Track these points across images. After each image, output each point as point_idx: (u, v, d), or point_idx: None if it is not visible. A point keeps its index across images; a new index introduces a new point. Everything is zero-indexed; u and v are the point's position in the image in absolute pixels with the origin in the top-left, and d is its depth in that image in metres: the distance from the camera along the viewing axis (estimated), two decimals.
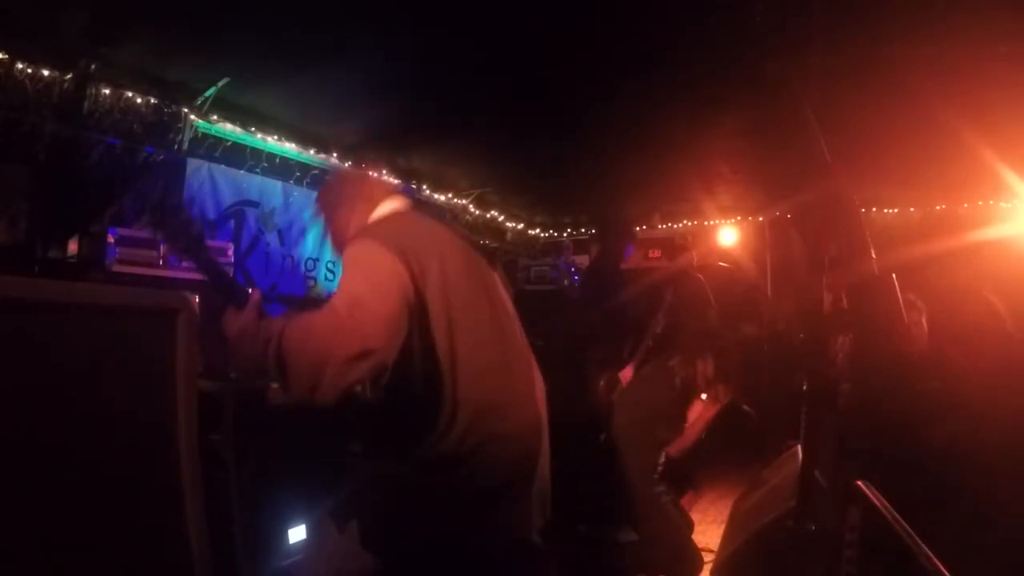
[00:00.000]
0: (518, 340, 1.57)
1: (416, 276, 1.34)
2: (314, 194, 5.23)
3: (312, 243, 5.35)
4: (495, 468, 1.39)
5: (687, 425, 2.98)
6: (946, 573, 1.29)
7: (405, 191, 1.77)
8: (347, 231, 1.64)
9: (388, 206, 1.64)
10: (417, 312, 1.33)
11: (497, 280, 1.63)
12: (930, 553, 1.34)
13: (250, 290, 1.45)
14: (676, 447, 2.94)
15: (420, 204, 1.76)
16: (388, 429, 1.37)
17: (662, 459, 2.97)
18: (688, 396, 3.03)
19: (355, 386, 1.23)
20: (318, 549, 1.52)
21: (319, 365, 1.20)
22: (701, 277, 3.38)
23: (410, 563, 1.37)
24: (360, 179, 1.78)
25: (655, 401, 2.97)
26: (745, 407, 3.46)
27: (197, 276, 3.19)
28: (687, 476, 3.64)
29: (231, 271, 3.46)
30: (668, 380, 3.00)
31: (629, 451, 2.93)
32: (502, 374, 1.45)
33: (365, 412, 1.39)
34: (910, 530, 1.46)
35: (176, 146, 4.20)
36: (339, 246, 1.67)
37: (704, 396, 3.04)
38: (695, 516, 3.74)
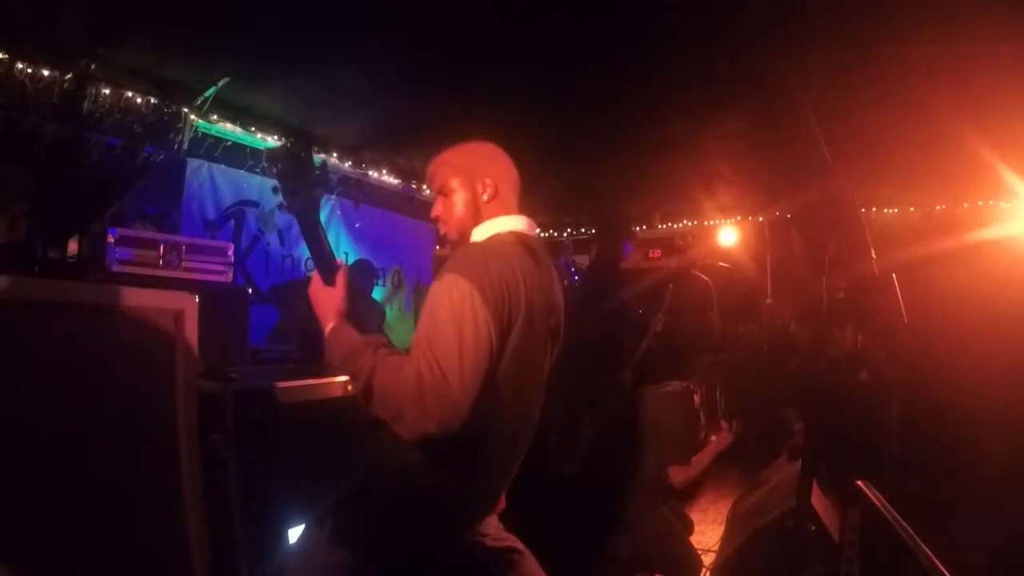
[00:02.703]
0: (539, 399, 1.56)
1: (503, 331, 1.34)
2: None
3: None
4: (475, 493, 1.44)
5: (696, 456, 2.97)
6: (946, 573, 1.29)
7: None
8: (458, 214, 1.53)
9: (504, 224, 1.52)
10: (493, 367, 1.33)
11: (559, 330, 1.58)
12: (930, 553, 1.34)
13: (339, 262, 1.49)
14: (682, 477, 2.93)
15: (531, 231, 1.57)
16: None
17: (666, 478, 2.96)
18: (702, 424, 3.03)
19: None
20: (303, 550, 1.52)
21: (396, 420, 1.26)
22: (705, 277, 3.37)
23: (395, 561, 1.40)
24: (505, 170, 1.59)
25: (665, 419, 2.96)
26: (752, 441, 3.45)
27: (197, 276, 3.21)
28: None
29: (235, 269, 3.46)
30: (684, 401, 2.99)
31: (629, 456, 2.93)
32: (517, 423, 1.48)
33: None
34: (910, 530, 1.46)
35: (176, 146, 4.20)
36: (444, 224, 1.57)
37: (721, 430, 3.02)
38: (695, 516, 3.74)
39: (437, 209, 1.58)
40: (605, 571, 2.82)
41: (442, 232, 1.59)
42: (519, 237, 1.51)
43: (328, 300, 1.47)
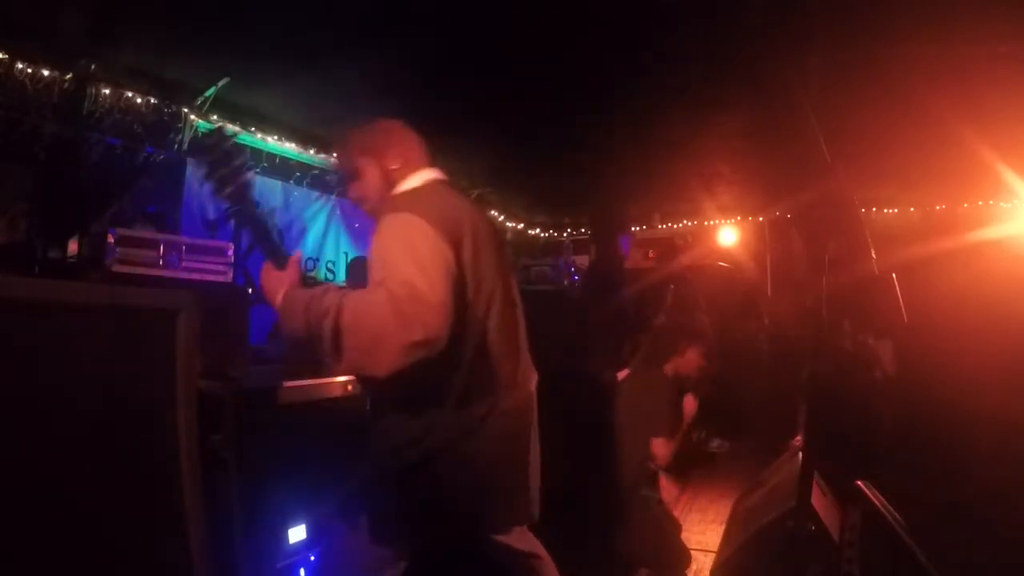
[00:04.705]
0: (520, 325, 1.60)
1: (456, 253, 1.37)
2: (314, 194, 5.31)
3: (312, 243, 5.35)
4: (497, 446, 1.43)
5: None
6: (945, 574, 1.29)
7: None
8: (375, 188, 1.61)
9: (423, 176, 1.60)
10: (459, 288, 1.36)
11: (508, 263, 1.64)
12: (929, 553, 1.34)
13: (294, 253, 1.51)
14: (665, 451, 2.91)
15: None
16: (407, 395, 1.38)
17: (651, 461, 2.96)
18: (680, 392, 3.02)
19: (409, 367, 1.24)
20: (328, 547, 1.52)
21: (376, 350, 1.23)
22: (690, 279, 3.38)
23: (421, 552, 1.39)
24: (406, 138, 1.67)
25: (650, 405, 2.96)
26: (713, 446, 3.45)
27: (197, 276, 3.21)
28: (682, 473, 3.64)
29: (235, 269, 3.47)
30: (663, 382, 3.00)
31: (621, 451, 2.93)
32: (509, 355, 1.49)
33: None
34: (910, 530, 1.46)
35: (176, 146, 4.20)
36: (365, 201, 1.63)
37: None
38: (695, 516, 3.75)
39: (354, 192, 1.64)
40: (600, 570, 2.83)
41: (366, 210, 1.64)
42: (442, 183, 1.59)
43: (277, 278, 1.45)
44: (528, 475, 1.51)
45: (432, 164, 1.65)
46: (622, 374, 3.29)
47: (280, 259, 1.47)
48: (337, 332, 1.25)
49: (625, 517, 2.84)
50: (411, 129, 1.69)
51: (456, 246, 1.38)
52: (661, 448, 2.91)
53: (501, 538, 1.49)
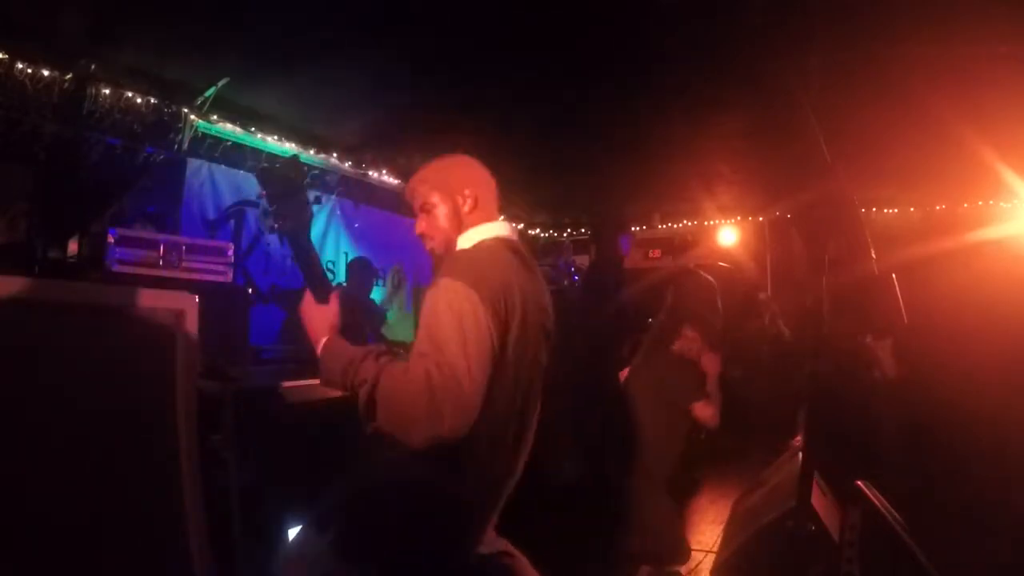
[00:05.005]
0: (536, 398, 1.57)
1: (503, 330, 1.36)
2: (314, 194, 5.31)
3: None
4: (478, 496, 1.44)
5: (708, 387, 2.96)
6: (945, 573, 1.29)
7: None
8: (442, 227, 1.56)
9: (490, 230, 1.55)
10: (496, 370, 1.35)
11: (549, 333, 1.61)
12: (929, 553, 1.34)
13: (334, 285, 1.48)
14: (711, 411, 2.91)
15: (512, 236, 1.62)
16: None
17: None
18: (695, 365, 3.02)
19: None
20: (305, 557, 1.50)
21: (404, 432, 1.26)
22: (709, 277, 3.36)
23: (391, 566, 1.39)
24: (481, 179, 1.62)
25: (671, 384, 2.96)
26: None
27: (197, 276, 3.21)
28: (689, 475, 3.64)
29: (235, 269, 3.46)
30: (673, 361, 2.99)
31: (631, 447, 2.93)
32: (516, 422, 1.48)
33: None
34: (910, 530, 1.46)
35: (176, 146, 4.20)
36: (430, 239, 1.59)
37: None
38: (695, 516, 3.75)
39: (421, 226, 1.60)
40: (612, 567, 2.83)
41: (428, 247, 1.61)
42: (505, 242, 1.54)
43: (321, 316, 1.46)
44: (503, 495, 1.53)
45: (500, 215, 1.63)
46: (623, 373, 3.29)
47: (322, 292, 1.47)
48: (371, 403, 1.29)
49: (631, 515, 2.84)
50: (487, 172, 1.66)
51: (503, 327, 1.36)
52: (703, 410, 2.91)
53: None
